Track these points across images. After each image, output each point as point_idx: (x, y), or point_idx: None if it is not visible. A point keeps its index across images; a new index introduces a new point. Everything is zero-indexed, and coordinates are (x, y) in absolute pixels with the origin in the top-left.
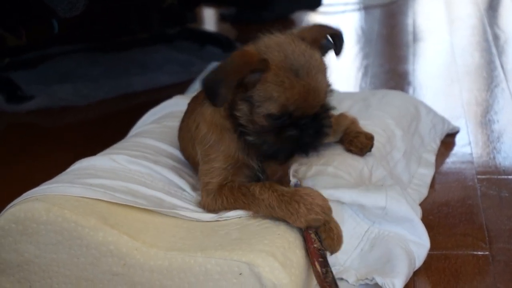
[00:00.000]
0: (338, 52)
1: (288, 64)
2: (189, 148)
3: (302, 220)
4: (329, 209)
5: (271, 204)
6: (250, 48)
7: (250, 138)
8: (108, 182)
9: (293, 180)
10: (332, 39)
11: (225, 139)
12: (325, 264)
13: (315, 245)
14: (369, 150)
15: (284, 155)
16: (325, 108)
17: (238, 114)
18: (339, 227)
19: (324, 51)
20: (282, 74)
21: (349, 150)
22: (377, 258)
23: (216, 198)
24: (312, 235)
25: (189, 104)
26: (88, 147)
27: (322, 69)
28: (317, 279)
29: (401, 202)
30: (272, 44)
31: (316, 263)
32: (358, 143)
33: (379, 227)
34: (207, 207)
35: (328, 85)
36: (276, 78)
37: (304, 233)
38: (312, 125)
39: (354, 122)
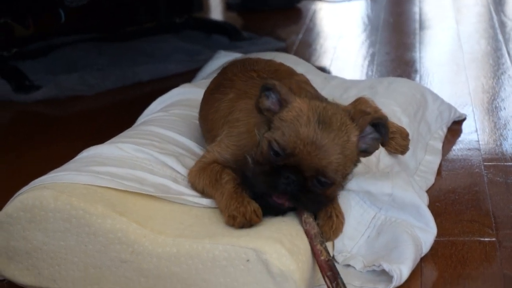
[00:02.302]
0: (383, 141)
1: (319, 111)
2: (218, 124)
3: (226, 214)
4: (252, 217)
5: (223, 193)
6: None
7: (249, 159)
8: (115, 169)
9: None
10: (377, 127)
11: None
12: (334, 277)
13: (322, 257)
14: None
15: (252, 192)
16: (321, 184)
17: (257, 132)
18: (341, 217)
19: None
20: (306, 112)
21: (387, 150)
22: (384, 245)
23: (200, 173)
24: (318, 246)
25: (234, 79)
26: (96, 137)
27: (345, 148)
28: None
29: (407, 189)
30: (320, 102)
31: (326, 278)
32: (397, 145)
33: (386, 214)
34: (189, 177)
35: (339, 167)
36: (299, 111)
37: (310, 244)
38: (294, 185)
39: (377, 111)
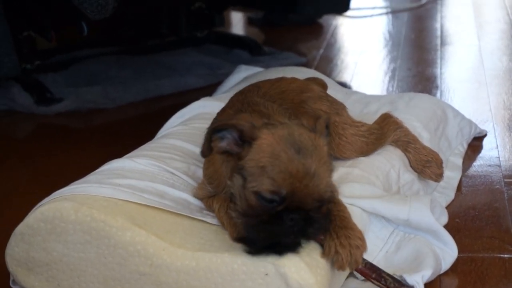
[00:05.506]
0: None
1: (289, 140)
2: None
3: (233, 239)
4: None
5: (222, 222)
6: (258, 119)
7: (232, 213)
8: (136, 182)
9: None
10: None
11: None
12: (379, 275)
13: (359, 266)
14: None
15: (256, 247)
16: (320, 210)
17: (231, 185)
18: (350, 241)
19: None
20: (280, 148)
21: (422, 177)
22: (403, 259)
23: (205, 205)
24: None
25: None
26: (117, 149)
27: (327, 163)
28: None
29: (425, 213)
30: (280, 125)
31: (373, 281)
32: (433, 174)
33: (404, 230)
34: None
35: (330, 186)
36: (272, 150)
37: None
38: (300, 223)
39: (406, 133)
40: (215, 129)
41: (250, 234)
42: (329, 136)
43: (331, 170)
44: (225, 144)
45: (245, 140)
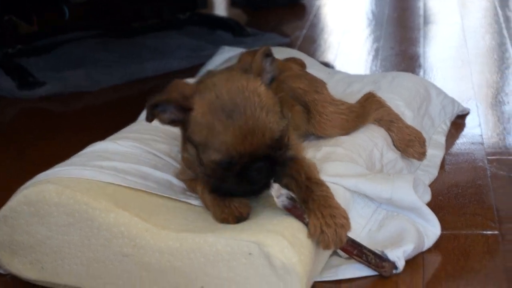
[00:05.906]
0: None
1: (218, 105)
2: None
3: (218, 221)
4: (241, 212)
5: (206, 204)
6: (190, 84)
7: (204, 176)
8: (119, 164)
9: (279, 201)
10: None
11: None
12: (361, 251)
13: None
14: None
15: (232, 194)
16: (279, 148)
17: (186, 155)
18: (335, 220)
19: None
20: (211, 117)
21: (405, 156)
22: (386, 237)
23: (188, 185)
24: None
25: None
26: (101, 132)
27: (267, 105)
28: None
29: (408, 191)
30: (209, 84)
31: (355, 257)
32: (416, 153)
33: (387, 208)
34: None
35: (278, 122)
36: (206, 122)
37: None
38: (264, 168)
39: (389, 112)
40: (153, 106)
41: (223, 190)
42: (309, 113)
43: (273, 107)
44: (168, 115)
45: (184, 107)
